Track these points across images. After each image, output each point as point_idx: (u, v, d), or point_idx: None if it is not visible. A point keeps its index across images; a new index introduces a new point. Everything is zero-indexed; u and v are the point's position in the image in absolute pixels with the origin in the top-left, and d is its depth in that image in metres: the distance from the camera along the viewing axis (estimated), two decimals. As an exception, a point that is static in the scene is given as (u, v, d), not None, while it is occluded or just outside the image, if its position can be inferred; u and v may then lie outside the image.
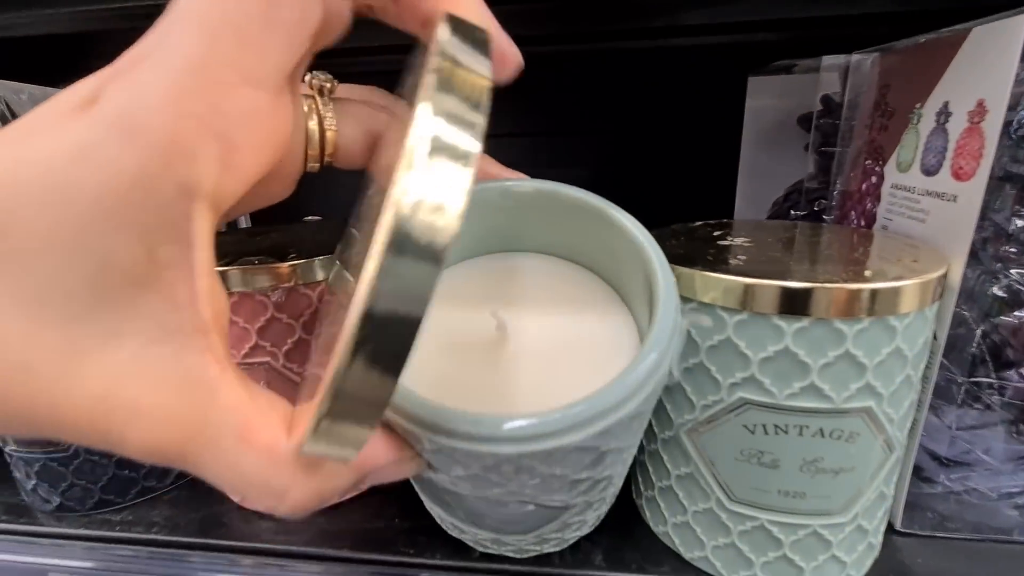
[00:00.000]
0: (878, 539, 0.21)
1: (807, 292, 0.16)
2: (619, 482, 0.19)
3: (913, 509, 0.22)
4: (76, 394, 0.10)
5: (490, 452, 0.13)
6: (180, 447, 0.11)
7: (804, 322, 0.16)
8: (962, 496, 0.23)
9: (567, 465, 0.14)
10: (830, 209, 0.31)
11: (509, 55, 0.14)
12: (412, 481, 0.18)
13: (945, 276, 0.18)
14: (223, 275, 0.21)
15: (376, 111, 0.16)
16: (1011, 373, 0.21)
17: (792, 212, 0.34)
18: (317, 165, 0.16)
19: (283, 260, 0.21)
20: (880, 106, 0.25)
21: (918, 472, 0.23)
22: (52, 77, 0.42)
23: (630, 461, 0.19)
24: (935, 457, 0.23)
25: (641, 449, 0.23)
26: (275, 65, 0.11)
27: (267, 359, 0.22)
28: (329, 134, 0.15)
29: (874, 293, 0.16)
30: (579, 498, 0.17)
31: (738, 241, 0.21)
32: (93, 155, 0.09)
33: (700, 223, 0.25)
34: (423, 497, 0.20)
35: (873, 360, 0.16)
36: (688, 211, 0.32)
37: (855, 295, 0.16)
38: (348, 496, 0.25)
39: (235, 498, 0.25)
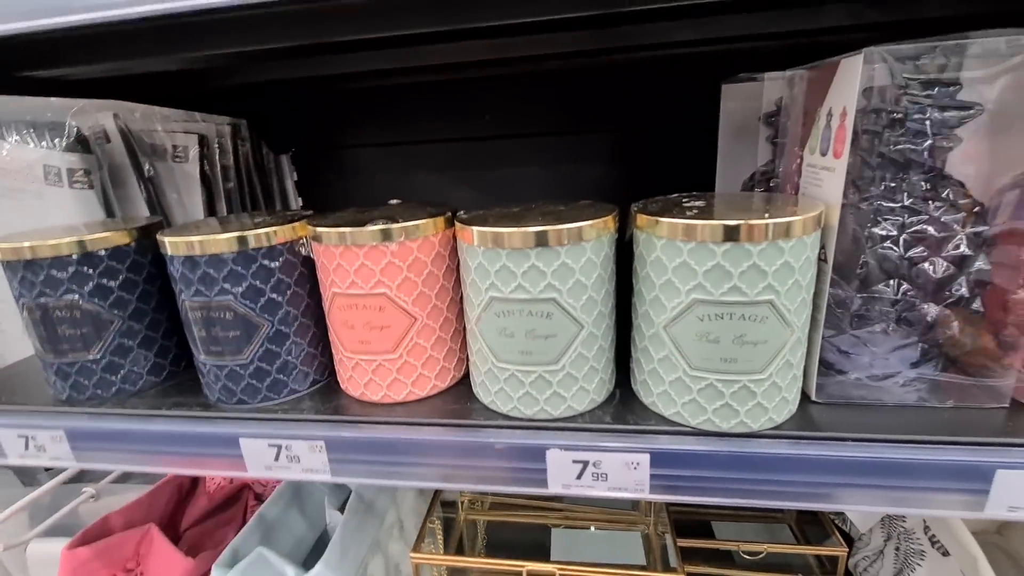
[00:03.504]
0: (792, 396, 0.31)
1: (731, 227, 0.26)
2: None
3: (822, 388, 0.33)
4: None
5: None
6: None
7: (727, 246, 0.27)
8: (859, 379, 0.33)
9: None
10: (778, 186, 0.41)
11: None
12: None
13: (821, 215, 0.28)
14: (360, 233, 0.32)
15: None
16: (883, 287, 0.31)
17: (754, 189, 0.45)
18: None
19: (381, 223, 0.32)
20: (804, 109, 0.35)
21: (827, 364, 0.33)
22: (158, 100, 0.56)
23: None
24: (840, 351, 0.33)
25: (635, 345, 0.33)
26: None
27: (385, 290, 0.33)
28: None
29: (767, 226, 0.26)
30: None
31: (696, 203, 0.32)
32: None
33: (675, 195, 0.36)
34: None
35: (771, 268, 0.27)
36: (678, 188, 0.43)
37: (758, 227, 0.26)
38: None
39: None
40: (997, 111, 0.27)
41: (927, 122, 0.28)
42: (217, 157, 0.75)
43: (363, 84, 0.85)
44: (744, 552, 0.49)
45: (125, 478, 0.75)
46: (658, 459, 0.30)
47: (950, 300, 0.30)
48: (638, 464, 0.30)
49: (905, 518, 0.50)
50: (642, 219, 0.30)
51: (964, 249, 0.29)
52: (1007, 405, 0.31)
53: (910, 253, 0.30)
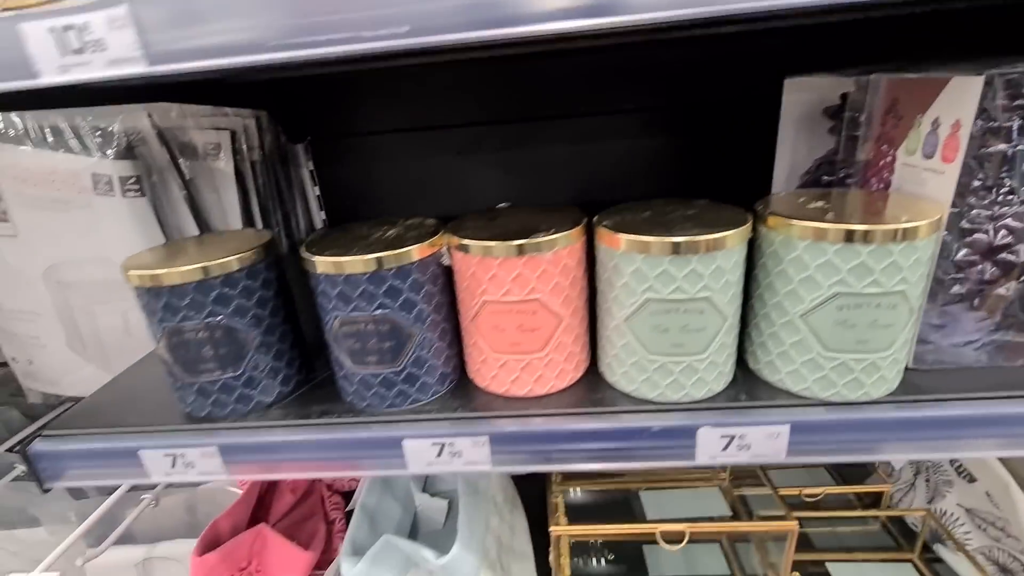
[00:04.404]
0: (904, 366, 0.36)
1: (880, 231, 0.31)
2: None
3: (918, 356, 0.38)
4: None
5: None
6: None
7: (872, 247, 0.31)
8: (944, 347, 0.39)
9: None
10: (852, 176, 0.46)
11: None
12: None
13: (943, 217, 0.33)
14: (524, 246, 0.34)
15: None
16: (971, 271, 0.36)
17: (824, 179, 0.49)
18: None
19: (541, 235, 0.35)
20: (891, 111, 0.40)
21: (921, 336, 0.38)
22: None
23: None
24: (932, 325, 0.39)
25: (760, 331, 0.38)
26: None
27: (539, 296, 0.36)
28: None
29: (903, 230, 0.31)
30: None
31: (817, 204, 0.36)
32: None
33: (781, 193, 0.40)
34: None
35: (907, 263, 0.31)
36: (737, 178, 0.46)
37: (899, 231, 0.31)
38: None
39: None
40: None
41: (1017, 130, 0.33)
42: (246, 152, 0.73)
43: (377, 67, 0.84)
44: (805, 496, 0.56)
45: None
46: (797, 428, 0.35)
47: (1026, 278, 0.36)
48: (779, 434, 0.35)
49: (933, 454, 0.58)
50: (778, 221, 0.34)
51: (1042, 236, 0.35)
52: (1064, 361, 0.38)
53: (998, 240, 0.35)
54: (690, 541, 0.58)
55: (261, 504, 0.61)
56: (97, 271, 0.59)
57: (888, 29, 0.59)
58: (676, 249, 0.33)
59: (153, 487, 0.72)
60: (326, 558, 0.57)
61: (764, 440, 0.36)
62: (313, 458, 0.39)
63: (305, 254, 0.37)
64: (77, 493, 0.75)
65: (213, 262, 0.37)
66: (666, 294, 0.34)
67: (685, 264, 0.33)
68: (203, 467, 0.39)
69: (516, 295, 0.36)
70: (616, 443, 0.37)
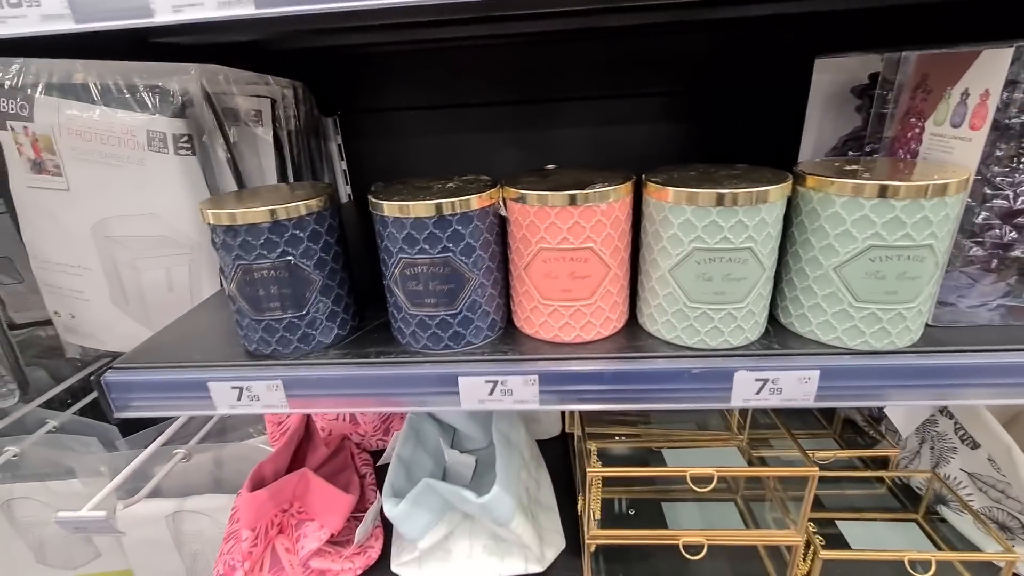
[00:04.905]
0: (926, 319, 0.39)
1: (913, 187, 0.33)
2: None
3: (938, 316, 0.41)
4: None
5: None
6: None
7: (906, 201, 0.34)
8: (962, 308, 0.42)
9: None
10: (878, 151, 0.49)
11: None
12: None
13: (970, 177, 0.36)
14: (580, 196, 0.37)
15: None
16: (990, 235, 0.39)
17: (850, 153, 0.52)
18: None
19: (597, 186, 0.37)
20: (921, 86, 0.42)
21: (941, 297, 0.41)
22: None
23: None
24: (951, 287, 0.41)
25: (793, 286, 0.41)
26: None
27: (591, 244, 0.39)
28: None
29: (934, 186, 0.33)
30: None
31: (854, 167, 0.39)
32: None
33: (819, 159, 0.42)
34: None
35: (936, 218, 0.34)
36: (764, 151, 0.49)
37: (930, 187, 0.33)
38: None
39: None
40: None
41: (1038, 101, 0.36)
42: (284, 121, 0.75)
43: (409, 48, 0.86)
44: (818, 459, 0.59)
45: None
46: (827, 374, 0.38)
47: (1041, 242, 0.39)
48: (809, 379, 0.38)
49: (938, 422, 0.62)
50: (817, 181, 0.37)
51: (1058, 202, 0.38)
52: (1072, 321, 0.41)
53: (1018, 204, 0.38)
54: (707, 500, 0.61)
55: (296, 456, 0.64)
56: (146, 227, 0.61)
57: (913, 16, 0.62)
58: (723, 200, 0.35)
59: (206, 423, 0.75)
60: (361, 505, 0.60)
61: (795, 384, 0.39)
62: (373, 393, 0.41)
63: (374, 200, 0.39)
64: (109, 447, 0.78)
65: (286, 205, 0.39)
66: (712, 243, 0.37)
67: (732, 215, 0.36)
68: (267, 400, 0.42)
69: (571, 243, 0.39)
70: (659, 384, 0.40)
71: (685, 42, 0.76)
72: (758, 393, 0.39)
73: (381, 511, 0.54)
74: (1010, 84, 0.34)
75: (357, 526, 0.56)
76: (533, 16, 0.66)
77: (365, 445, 0.74)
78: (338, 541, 0.56)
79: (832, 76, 0.54)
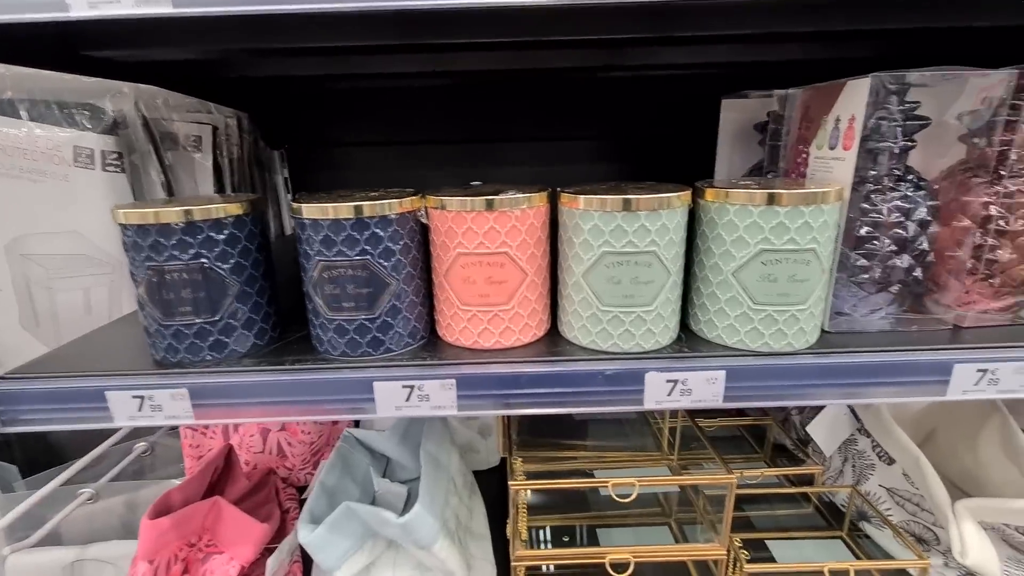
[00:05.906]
0: (820, 323, 0.42)
1: (792, 195, 0.37)
2: None
3: (833, 323, 0.44)
4: None
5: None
6: None
7: (788, 208, 0.37)
8: (856, 317, 0.45)
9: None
10: (779, 175, 0.53)
11: None
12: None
13: (843, 189, 0.39)
14: (496, 201, 0.38)
15: None
16: (873, 244, 0.43)
17: (755, 181, 0.57)
18: None
19: (511, 194, 0.39)
20: (805, 117, 0.47)
21: (835, 304, 0.44)
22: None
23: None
24: (844, 298, 0.45)
25: (700, 293, 0.43)
26: None
27: (507, 249, 0.40)
28: None
29: (815, 194, 0.37)
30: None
31: (748, 182, 0.42)
32: None
33: (721, 179, 0.46)
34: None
35: (816, 223, 0.38)
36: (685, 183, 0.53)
37: (810, 195, 0.37)
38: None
39: None
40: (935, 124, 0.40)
41: (899, 129, 0.41)
42: (225, 149, 0.76)
43: (358, 84, 0.89)
44: (747, 478, 0.60)
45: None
46: (732, 374, 0.40)
47: (915, 253, 0.43)
48: (716, 379, 0.40)
49: (858, 441, 0.64)
50: (714, 192, 0.40)
51: (924, 215, 0.42)
52: (951, 327, 0.44)
53: (891, 218, 0.42)
54: (641, 525, 0.61)
55: (214, 488, 0.60)
56: (66, 245, 0.59)
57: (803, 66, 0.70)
58: (627, 206, 0.38)
59: (120, 461, 0.69)
60: (279, 537, 0.56)
61: (703, 385, 0.40)
62: (285, 401, 0.40)
63: (294, 204, 0.40)
64: (6, 488, 0.71)
65: (202, 207, 0.39)
66: (619, 247, 0.39)
67: (635, 220, 0.38)
68: (171, 410, 0.40)
69: (487, 247, 0.40)
70: (573, 387, 0.40)
71: (611, 88, 0.82)
72: (669, 395, 0.40)
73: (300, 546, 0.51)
74: (871, 108, 0.39)
75: (273, 560, 0.52)
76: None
77: (292, 480, 0.70)
78: (251, 578, 0.52)
79: (737, 115, 0.59)
